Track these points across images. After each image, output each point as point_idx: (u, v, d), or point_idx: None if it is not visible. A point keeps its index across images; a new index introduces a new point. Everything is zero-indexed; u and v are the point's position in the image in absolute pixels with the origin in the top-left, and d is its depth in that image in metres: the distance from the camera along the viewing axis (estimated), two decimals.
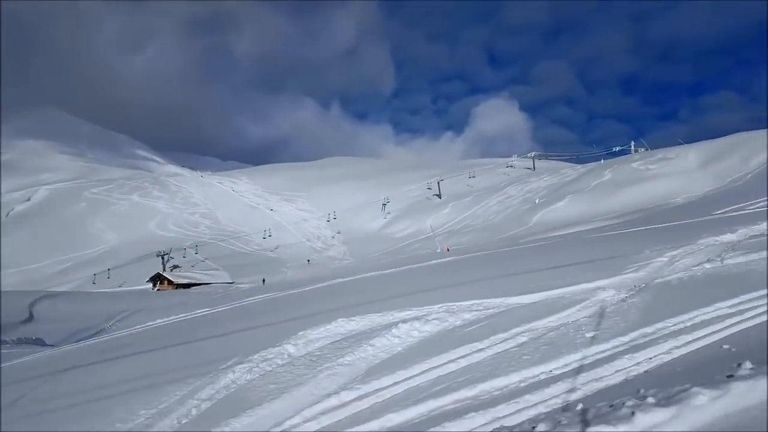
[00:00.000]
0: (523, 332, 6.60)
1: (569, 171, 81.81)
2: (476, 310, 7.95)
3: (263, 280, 46.71)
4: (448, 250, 44.36)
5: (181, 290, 47.90)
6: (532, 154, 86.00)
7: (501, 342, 6.40)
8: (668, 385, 3.66)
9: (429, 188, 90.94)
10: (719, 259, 8.44)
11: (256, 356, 7.37)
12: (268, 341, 7.94)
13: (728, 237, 10.29)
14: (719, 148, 47.27)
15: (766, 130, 46.16)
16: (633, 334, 5.82)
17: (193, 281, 55.32)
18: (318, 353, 7.18)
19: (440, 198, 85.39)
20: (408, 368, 6.05)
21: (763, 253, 8.27)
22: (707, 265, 8.25)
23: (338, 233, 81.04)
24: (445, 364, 6.04)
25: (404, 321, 7.83)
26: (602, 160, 71.33)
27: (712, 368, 4.03)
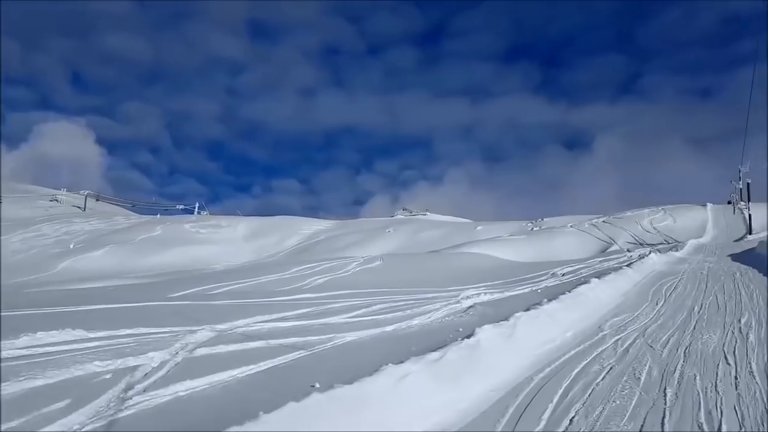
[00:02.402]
0: None
1: (123, 219, 74.33)
2: None
3: None
4: None
5: None
6: (86, 192, 74.44)
7: None
8: None
9: None
10: None
11: None
12: None
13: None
14: (265, 226, 50.49)
15: (308, 217, 51.87)
16: None
17: None
18: None
19: None
20: None
21: None
22: None
23: None
24: None
25: None
26: (159, 215, 67.16)
27: None
